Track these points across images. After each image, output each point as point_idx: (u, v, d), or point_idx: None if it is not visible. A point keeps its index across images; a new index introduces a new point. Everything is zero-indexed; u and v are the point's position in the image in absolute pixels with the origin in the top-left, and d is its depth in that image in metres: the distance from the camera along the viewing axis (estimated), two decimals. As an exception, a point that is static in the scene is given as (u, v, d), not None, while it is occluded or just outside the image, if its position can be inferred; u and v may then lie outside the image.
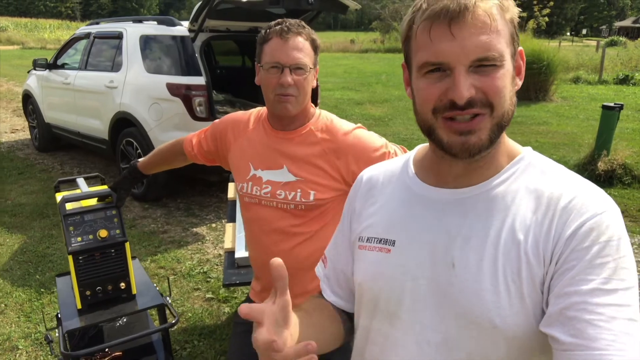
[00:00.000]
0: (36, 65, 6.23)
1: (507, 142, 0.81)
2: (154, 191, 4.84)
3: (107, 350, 1.97)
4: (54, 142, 6.56)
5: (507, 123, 0.74)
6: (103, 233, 1.78)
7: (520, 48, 0.75)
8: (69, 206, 1.79)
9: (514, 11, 0.73)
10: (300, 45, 1.32)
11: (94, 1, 65.17)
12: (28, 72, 6.92)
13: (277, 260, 0.64)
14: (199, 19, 4.24)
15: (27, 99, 6.77)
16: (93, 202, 1.84)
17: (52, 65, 6.12)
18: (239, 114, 1.58)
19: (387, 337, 0.83)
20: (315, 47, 1.37)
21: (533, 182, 0.76)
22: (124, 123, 4.84)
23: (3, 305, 3.08)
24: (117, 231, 1.81)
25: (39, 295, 3.19)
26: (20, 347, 2.68)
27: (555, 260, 0.69)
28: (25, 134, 7.66)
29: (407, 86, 0.82)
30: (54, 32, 37.17)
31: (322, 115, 1.47)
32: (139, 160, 1.81)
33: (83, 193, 1.86)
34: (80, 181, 2.05)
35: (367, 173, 0.96)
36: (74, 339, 1.93)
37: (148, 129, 4.53)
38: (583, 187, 0.74)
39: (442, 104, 0.72)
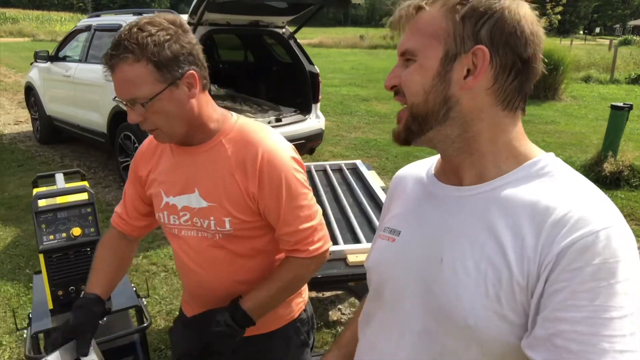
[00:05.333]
0: (37, 57, 6.21)
1: (517, 144, 0.77)
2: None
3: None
4: (55, 135, 6.53)
5: (420, 116, 0.76)
6: (76, 231, 1.73)
7: (477, 46, 0.73)
8: (41, 203, 1.73)
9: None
10: (129, 73, 1.04)
11: (105, -6, 65.41)
12: (31, 64, 6.91)
13: None
14: (198, 12, 4.17)
15: (29, 91, 6.76)
16: (68, 198, 1.79)
17: (54, 58, 6.10)
18: (145, 143, 1.34)
19: (381, 322, 0.87)
20: (159, 63, 1.04)
21: (538, 190, 0.71)
22: (122, 116, 4.79)
23: (-10, 299, 3.06)
24: (92, 229, 1.76)
25: (28, 290, 3.15)
26: (4, 343, 2.65)
27: (543, 278, 0.65)
28: (29, 126, 7.66)
29: None
30: (65, 24, 37.40)
31: (237, 123, 1.22)
32: (89, 291, 1.34)
33: (58, 189, 1.80)
34: (59, 177, 1.99)
35: (398, 173, 1.00)
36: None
37: (145, 123, 4.48)
38: (585, 199, 0.68)
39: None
